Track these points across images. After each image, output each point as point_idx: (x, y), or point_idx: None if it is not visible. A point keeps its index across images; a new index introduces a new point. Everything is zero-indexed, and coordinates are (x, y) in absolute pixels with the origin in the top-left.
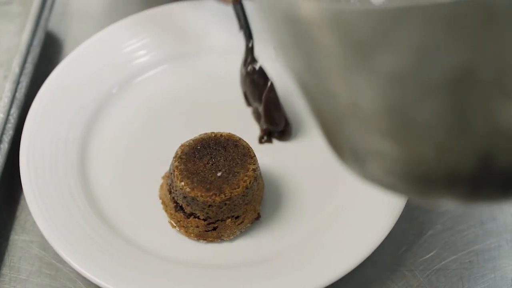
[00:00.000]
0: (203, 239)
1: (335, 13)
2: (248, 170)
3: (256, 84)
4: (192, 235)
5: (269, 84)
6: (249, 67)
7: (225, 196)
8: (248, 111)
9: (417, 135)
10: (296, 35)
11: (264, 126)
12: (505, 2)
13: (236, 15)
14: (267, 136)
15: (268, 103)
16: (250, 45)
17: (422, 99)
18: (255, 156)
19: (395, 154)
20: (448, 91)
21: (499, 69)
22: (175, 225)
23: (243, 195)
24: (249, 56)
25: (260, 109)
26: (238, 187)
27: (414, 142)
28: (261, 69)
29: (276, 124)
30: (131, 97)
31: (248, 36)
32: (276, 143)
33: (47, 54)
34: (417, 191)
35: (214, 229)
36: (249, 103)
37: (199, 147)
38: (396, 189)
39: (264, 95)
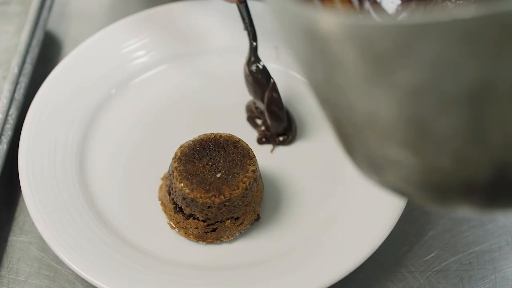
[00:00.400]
0: (203, 241)
1: (356, 28)
2: (247, 171)
3: (259, 83)
4: (191, 236)
5: (271, 83)
6: (253, 67)
7: (225, 198)
8: None
9: (435, 146)
10: (316, 49)
11: (268, 123)
12: None
13: (240, 15)
14: (266, 139)
15: (271, 102)
16: (254, 44)
17: (441, 111)
18: (254, 157)
19: (412, 164)
20: (466, 103)
21: None
22: (174, 226)
23: (242, 197)
24: (253, 55)
25: (263, 107)
26: (238, 189)
27: (432, 153)
28: (264, 68)
29: (280, 121)
30: (130, 98)
31: (253, 36)
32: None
33: (46, 54)
34: (434, 199)
35: (214, 230)
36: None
37: (198, 148)
38: (413, 196)
39: (267, 93)
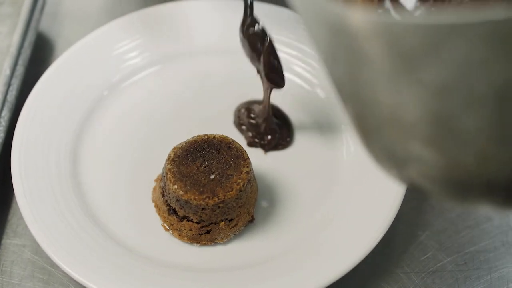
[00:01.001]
0: (197, 243)
1: (384, 26)
2: (241, 173)
3: (255, 45)
4: (185, 238)
5: (267, 40)
6: (250, 29)
7: (219, 199)
8: None
9: (459, 143)
10: (342, 44)
11: (268, 77)
12: None
13: None
14: (255, 144)
15: (269, 54)
16: (249, 2)
17: (466, 110)
18: (248, 158)
19: (435, 161)
20: (492, 103)
21: None
22: (168, 228)
23: (236, 198)
24: (248, 16)
25: (261, 67)
26: (232, 190)
27: (455, 150)
28: (262, 31)
29: (280, 74)
30: (123, 100)
31: None
32: None
33: (38, 56)
34: (455, 196)
35: (208, 232)
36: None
37: (192, 150)
38: (432, 192)
39: (264, 48)
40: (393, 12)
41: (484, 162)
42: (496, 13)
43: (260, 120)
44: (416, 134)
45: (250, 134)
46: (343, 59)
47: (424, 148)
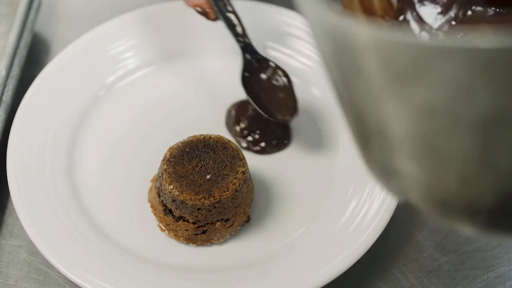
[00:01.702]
0: (193, 243)
1: (379, 40)
2: (237, 173)
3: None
4: (181, 238)
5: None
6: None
7: (214, 199)
8: None
9: (442, 164)
10: (337, 51)
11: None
12: None
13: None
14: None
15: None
16: (247, 57)
17: (452, 132)
18: (244, 158)
19: (418, 177)
20: (478, 128)
21: None
22: (164, 228)
23: (232, 198)
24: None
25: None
26: (228, 190)
27: (439, 170)
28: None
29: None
30: (118, 100)
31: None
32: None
33: (34, 56)
34: (437, 213)
35: (204, 232)
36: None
37: (187, 150)
38: (417, 207)
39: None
40: (389, 29)
41: (467, 185)
42: (485, 41)
43: (252, 125)
44: (402, 149)
45: (242, 140)
46: (337, 65)
47: (409, 163)
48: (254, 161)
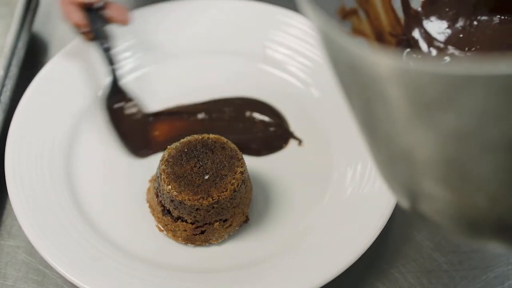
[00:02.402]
0: (191, 243)
1: (404, 71)
2: (235, 173)
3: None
4: (180, 239)
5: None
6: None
7: (213, 200)
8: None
9: (472, 186)
10: (359, 80)
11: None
12: None
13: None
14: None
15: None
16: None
17: (480, 156)
18: (242, 158)
19: (447, 199)
20: (506, 151)
21: None
22: (162, 229)
23: (231, 198)
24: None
25: None
26: (226, 190)
27: (468, 191)
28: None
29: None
30: None
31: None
32: None
33: (32, 56)
34: (466, 232)
35: (202, 232)
36: None
37: (186, 150)
38: (445, 227)
39: None
40: (412, 58)
41: (496, 203)
42: (508, 66)
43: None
44: (429, 173)
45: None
46: (361, 94)
47: (437, 187)
48: (253, 161)
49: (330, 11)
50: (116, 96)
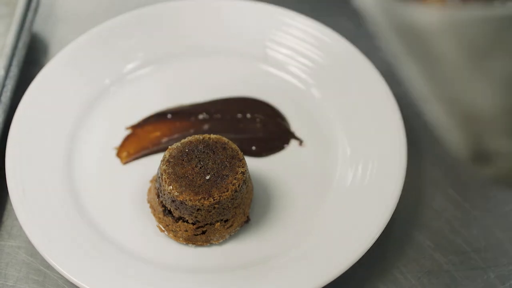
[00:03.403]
0: (192, 243)
1: (450, 20)
2: (237, 173)
3: None
4: (181, 239)
5: None
6: None
7: (214, 200)
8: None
9: None
10: (411, 43)
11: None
12: None
13: None
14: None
15: None
16: None
17: None
18: (243, 158)
19: None
20: None
21: None
22: (163, 229)
23: (232, 199)
24: None
25: None
26: (227, 191)
27: None
28: None
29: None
30: (117, 100)
31: None
32: None
33: (32, 56)
34: None
35: (203, 233)
36: None
37: (187, 150)
38: None
39: None
40: (456, 6)
41: None
42: None
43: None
44: (498, 128)
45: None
46: (415, 58)
47: (506, 141)
48: (254, 162)
49: None
50: None
